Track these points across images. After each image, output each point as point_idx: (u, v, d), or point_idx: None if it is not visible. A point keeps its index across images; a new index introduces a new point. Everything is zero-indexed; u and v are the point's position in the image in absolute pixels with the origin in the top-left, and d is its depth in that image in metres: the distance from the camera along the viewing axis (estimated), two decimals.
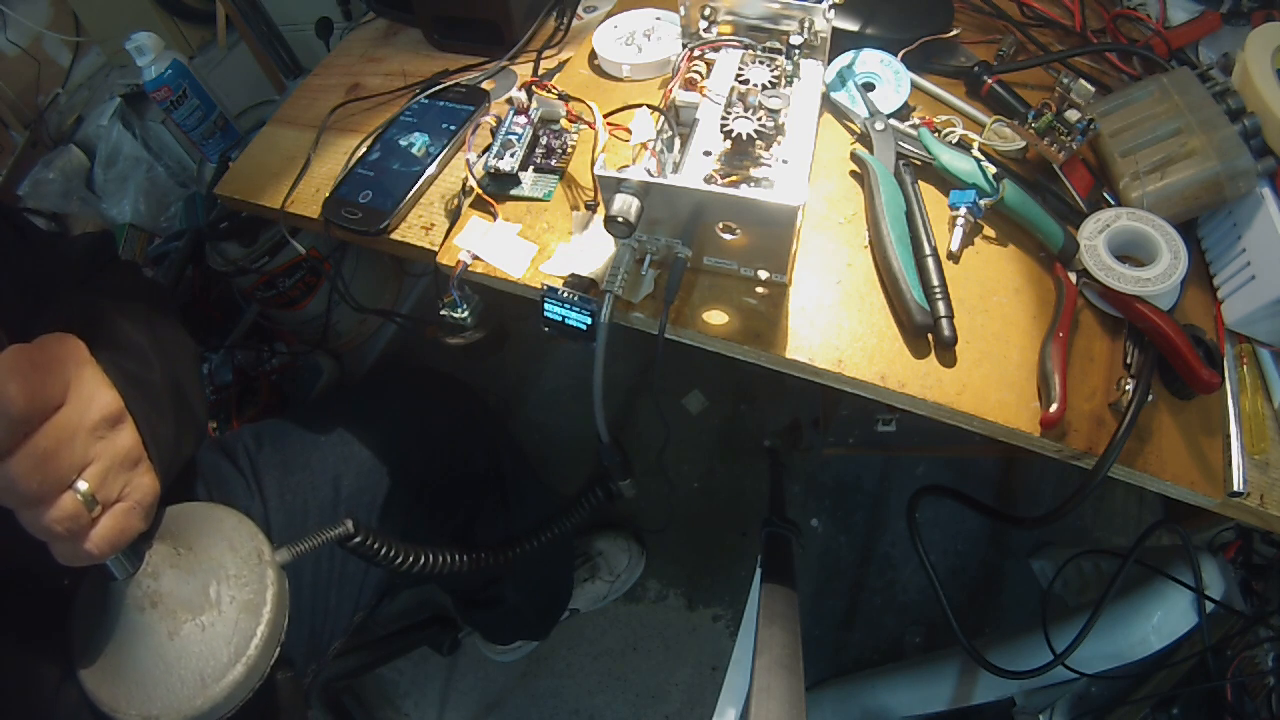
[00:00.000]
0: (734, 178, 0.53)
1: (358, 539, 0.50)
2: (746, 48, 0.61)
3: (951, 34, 0.66)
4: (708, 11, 0.62)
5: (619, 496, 0.66)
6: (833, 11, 0.58)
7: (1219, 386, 0.48)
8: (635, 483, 0.65)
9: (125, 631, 0.39)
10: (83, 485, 0.34)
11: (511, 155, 0.63)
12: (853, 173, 0.61)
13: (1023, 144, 0.59)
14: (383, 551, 0.53)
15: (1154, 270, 0.50)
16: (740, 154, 0.53)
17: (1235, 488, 0.48)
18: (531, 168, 0.64)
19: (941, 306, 0.51)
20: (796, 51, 0.60)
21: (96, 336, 0.39)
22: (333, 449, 0.69)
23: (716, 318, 0.54)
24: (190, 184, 1.11)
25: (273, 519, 0.65)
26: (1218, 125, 0.52)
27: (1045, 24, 0.71)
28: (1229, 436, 0.50)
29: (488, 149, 0.64)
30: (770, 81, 0.56)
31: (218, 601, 0.40)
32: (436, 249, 0.62)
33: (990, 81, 0.63)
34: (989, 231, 0.57)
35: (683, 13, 0.62)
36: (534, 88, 0.65)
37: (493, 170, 0.62)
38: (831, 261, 0.56)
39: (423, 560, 0.56)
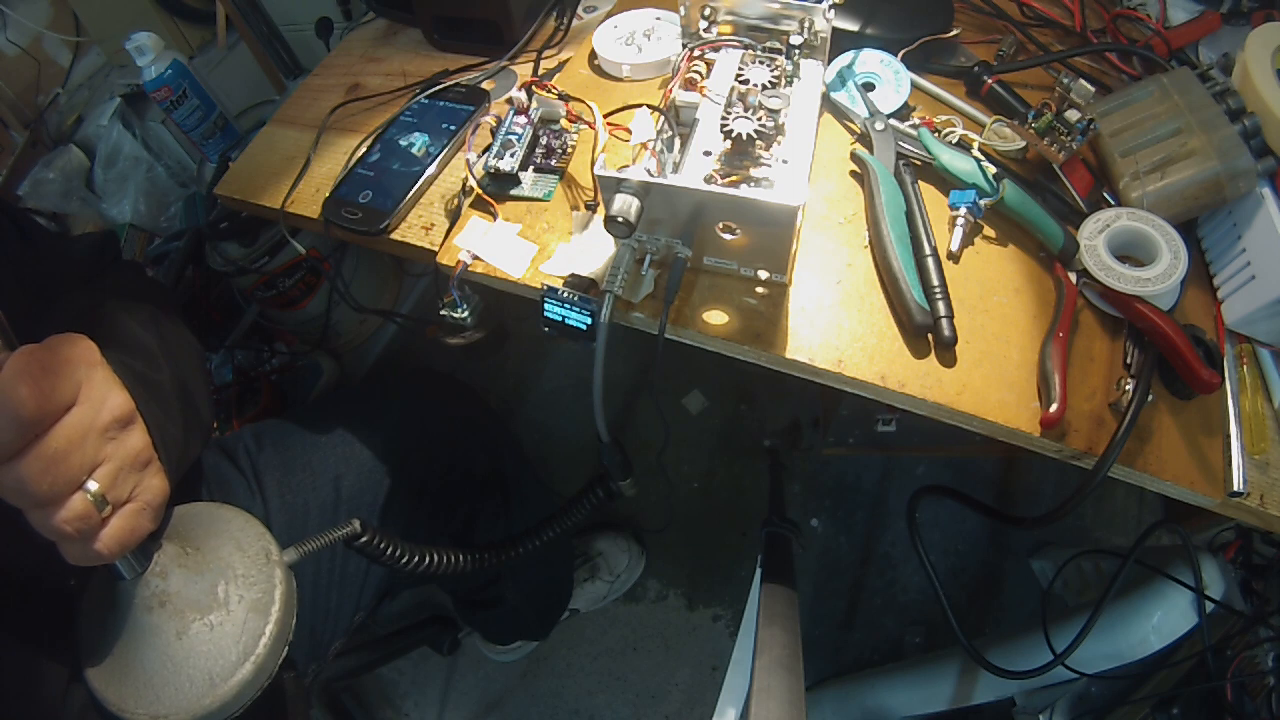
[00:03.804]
0: (734, 178, 0.53)
1: (365, 538, 0.50)
2: (746, 48, 0.61)
3: (951, 34, 0.66)
4: (708, 11, 0.62)
5: (619, 496, 0.66)
6: (833, 11, 0.58)
7: (1219, 386, 0.48)
8: (635, 482, 0.65)
9: (133, 631, 0.39)
10: (93, 486, 0.34)
11: (511, 155, 0.63)
12: (853, 173, 0.61)
13: (1023, 144, 0.59)
14: (389, 551, 0.53)
15: (1154, 270, 0.50)
16: (740, 154, 0.53)
17: (1235, 488, 0.48)
18: (531, 168, 0.64)
19: (941, 306, 0.51)
20: (796, 51, 0.60)
21: (105, 337, 0.39)
22: (333, 449, 0.69)
23: (716, 318, 0.54)
24: (190, 184, 1.11)
25: (274, 519, 0.65)
26: (1218, 125, 0.52)
27: (1045, 24, 0.71)
28: (1229, 436, 0.50)
29: (488, 149, 0.64)
30: (770, 81, 0.56)
31: (226, 601, 0.40)
32: (436, 249, 0.62)
33: (990, 81, 0.63)
34: (989, 231, 0.57)
35: (683, 13, 0.62)
36: (534, 88, 0.65)
37: (493, 170, 0.62)
38: (831, 261, 0.56)
39: (428, 560, 0.57)
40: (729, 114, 0.52)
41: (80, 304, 0.51)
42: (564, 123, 0.66)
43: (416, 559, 0.55)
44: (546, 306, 0.54)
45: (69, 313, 0.50)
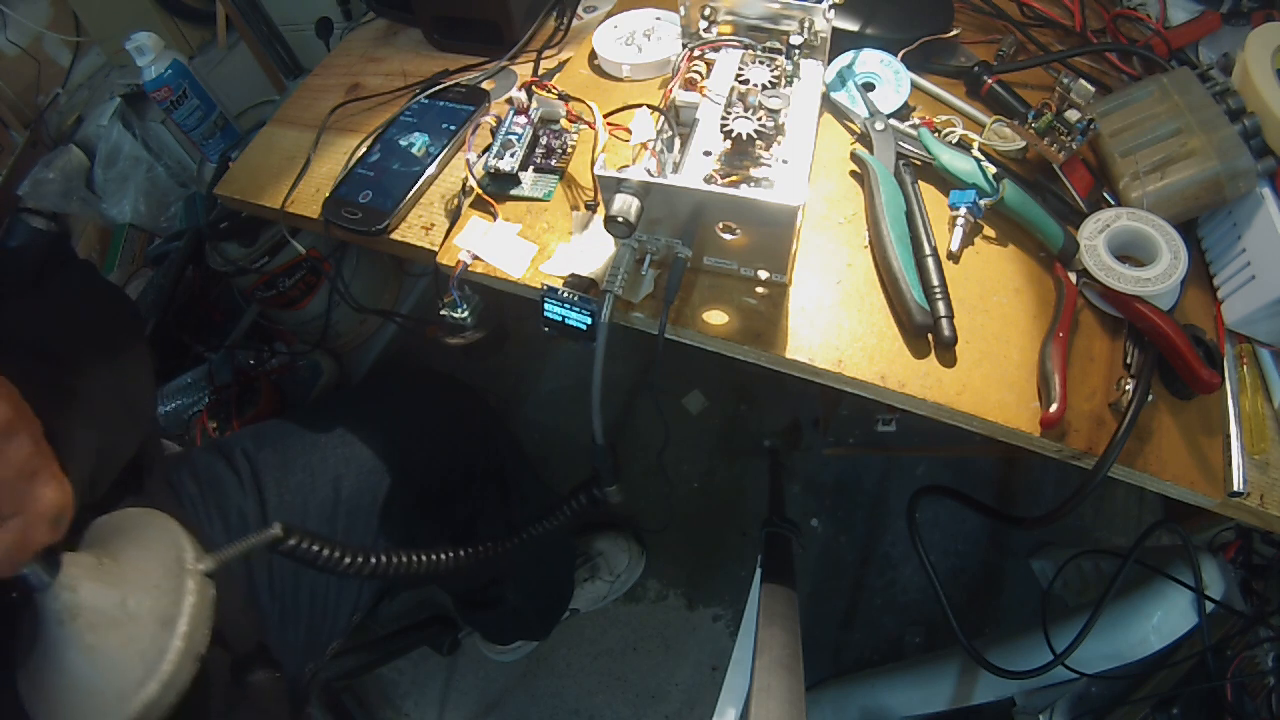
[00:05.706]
0: (734, 178, 0.53)
1: (290, 542, 0.47)
2: (746, 48, 0.61)
3: (951, 34, 0.66)
4: (708, 11, 0.62)
5: (603, 503, 0.63)
6: (833, 11, 0.58)
7: (1219, 386, 0.48)
8: (622, 488, 0.62)
9: (46, 645, 0.37)
10: None
11: (511, 155, 0.63)
12: (853, 173, 0.61)
13: (1023, 144, 0.59)
14: (321, 553, 0.49)
15: (1154, 270, 0.50)
16: (740, 154, 0.53)
17: (1235, 488, 0.48)
18: (531, 168, 0.64)
19: (941, 306, 0.51)
20: (796, 51, 0.60)
21: (10, 343, 0.38)
22: (333, 450, 0.69)
23: (716, 318, 0.54)
24: (190, 184, 1.11)
25: (273, 519, 0.65)
26: (1218, 125, 0.52)
27: (1045, 24, 0.71)
28: (1229, 436, 0.50)
29: (488, 149, 0.64)
30: (770, 81, 0.56)
31: (135, 614, 0.38)
32: (436, 249, 0.62)
33: (990, 81, 0.63)
34: (989, 231, 0.57)
35: (683, 13, 0.62)
36: (534, 88, 0.65)
37: (493, 170, 0.62)
38: (831, 261, 0.56)
39: (372, 561, 0.53)
40: (729, 114, 0.52)
41: (6, 313, 0.49)
42: (564, 123, 0.66)
43: (350, 559, 0.52)
44: (546, 306, 0.54)
45: None
